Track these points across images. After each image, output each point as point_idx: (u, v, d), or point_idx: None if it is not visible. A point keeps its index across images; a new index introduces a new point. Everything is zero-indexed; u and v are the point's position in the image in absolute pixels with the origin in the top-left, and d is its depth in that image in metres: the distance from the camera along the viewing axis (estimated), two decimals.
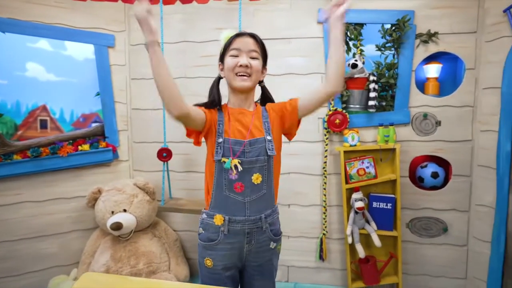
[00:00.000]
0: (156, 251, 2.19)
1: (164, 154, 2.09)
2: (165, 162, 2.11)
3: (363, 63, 2.17)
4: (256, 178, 1.21)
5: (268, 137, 1.22)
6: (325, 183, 2.23)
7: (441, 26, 2.06)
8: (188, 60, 2.31)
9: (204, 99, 2.37)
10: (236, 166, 1.17)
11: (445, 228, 2.19)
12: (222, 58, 1.28)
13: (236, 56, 1.21)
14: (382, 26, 2.13)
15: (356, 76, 2.16)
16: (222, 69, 1.28)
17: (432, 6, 2.06)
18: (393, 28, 2.10)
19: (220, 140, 1.21)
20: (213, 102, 1.25)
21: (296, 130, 1.31)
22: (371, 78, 2.12)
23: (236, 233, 1.21)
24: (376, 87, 2.11)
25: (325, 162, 2.22)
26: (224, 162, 1.18)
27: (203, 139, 1.28)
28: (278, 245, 1.31)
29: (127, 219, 2.08)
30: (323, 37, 2.18)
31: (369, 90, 2.13)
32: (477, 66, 2.08)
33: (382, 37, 2.15)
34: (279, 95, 1.39)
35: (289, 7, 2.19)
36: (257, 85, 1.30)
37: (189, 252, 2.44)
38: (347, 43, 2.20)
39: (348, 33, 2.16)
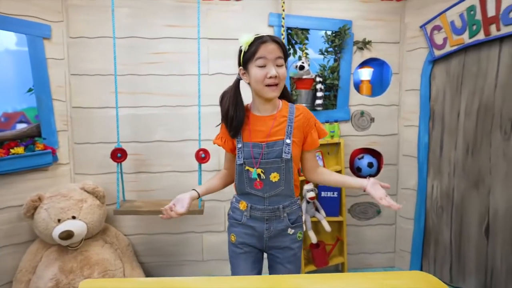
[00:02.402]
0: (110, 258, 2.06)
1: (119, 155, 1.97)
2: (119, 163, 2.00)
3: (309, 65, 2.37)
4: (274, 177, 1.29)
5: (288, 140, 1.26)
6: None
7: (373, 36, 2.38)
8: (138, 56, 2.21)
9: (156, 96, 2.31)
10: (259, 175, 1.28)
11: (378, 211, 2.53)
12: (244, 64, 1.26)
13: (263, 66, 1.21)
14: (325, 32, 2.36)
15: (304, 77, 2.35)
16: (244, 74, 1.28)
17: (366, 17, 2.36)
18: (335, 35, 2.34)
19: (240, 145, 1.30)
20: (233, 124, 1.30)
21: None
22: (318, 79, 2.33)
23: (256, 219, 1.34)
24: (322, 87, 2.33)
25: None
26: (249, 170, 1.29)
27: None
28: (298, 232, 1.38)
29: (78, 227, 1.92)
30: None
31: (315, 90, 2.34)
32: (401, 71, 2.45)
33: (325, 42, 2.39)
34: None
35: (241, 9, 2.27)
36: None
37: (142, 256, 2.35)
38: (293, 46, 2.38)
39: (295, 38, 2.34)
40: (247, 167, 1.29)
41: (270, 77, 1.21)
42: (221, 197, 2.32)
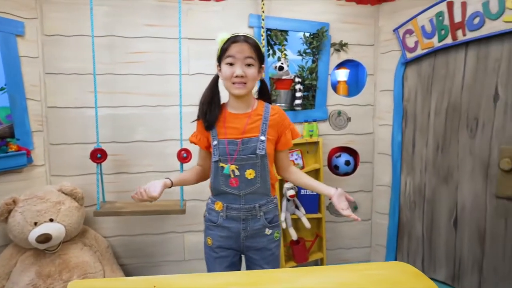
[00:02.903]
0: (89, 260, 2.02)
1: (99, 155, 1.94)
2: (99, 164, 1.97)
3: (288, 66, 2.42)
4: (250, 174, 1.31)
5: (262, 137, 1.30)
6: None
7: (349, 38, 2.47)
8: (117, 56, 2.18)
9: (135, 96, 2.29)
10: (233, 171, 1.28)
11: (355, 207, 2.62)
12: (219, 61, 1.31)
13: (232, 64, 1.25)
14: (304, 34, 2.42)
15: (283, 77, 2.40)
16: (220, 71, 1.33)
17: (342, 20, 2.44)
18: (313, 37, 2.41)
19: (215, 142, 1.31)
20: (206, 118, 1.33)
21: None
22: (297, 80, 2.39)
23: (233, 219, 1.34)
24: (301, 88, 2.39)
25: None
26: (223, 167, 1.29)
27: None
28: (276, 232, 1.40)
29: (56, 229, 1.87)
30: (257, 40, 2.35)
31: (295, 91, 2.39)
32: (375, 73, 2.56)
33: (303, 44, 2.45)
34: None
35: (222, 10, 2.29)
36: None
37: (122, 258, 2.32)
38: (272, 47, 2.42)
39: (274, 39, 2.39)
40: (221, 164, 1.31)
41: (236, 76, 1.25)
42: (203, 197, 2.33)
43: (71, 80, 2.15)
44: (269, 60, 2.41)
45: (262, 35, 2.30)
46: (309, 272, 1.10)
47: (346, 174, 2.61)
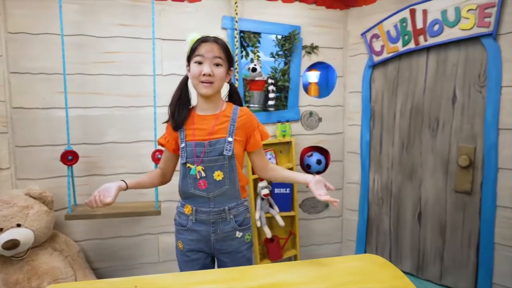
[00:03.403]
0: (60, 266, 1.96)
1: (70, 157, 1.89)
2: (70, 166, 1.92)
3: (261, 67, 2.47)
4: (218, 175, 1.31)
5: (229, 139, 1.30)
6: None
7: (320, 41, 2.55)
8: (88, 55, 2.13)
9: (107, 97, 2.25)
10: (199, 172, 1.29)
11: (326, 204, 2.71)
12: (188, 61, 1.34)
13: (200, 63, 1.27)
14: (276, 37, 2.48)
15: (256, 79, 2.44)
16: (189, 70, 1.34)
17: (313, 24, 2.52)
18: (285, 39, 2.47)
19: (183, 145, 1.32)
20: (174, 117, 1.35)
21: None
22: (269, 81, 2.44)
23: (202, 222, 1.34)
24: (274, 89, 2.44)
25: None
26: (190, 167, 1.29)
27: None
28: (246, 234, 1.40)
29: (24, 235, 1.81)
30: (227, 43, 2.37)
31: (268, 92, 2.45)
32: (345, 75, 2.66)
33: (275, 46, 2.50)
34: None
35: (195, 11, 2.29)
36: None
37: (95, 262, 2.26)
38: (245, 49, 2.46)
39: (247, 40, 2.43)
40: (188, 165, 1.31)
41: (204, 75, 1.27)
42: (176, 197, 2.31)
43: (38, 80, 2.08)
44: (242, 61, 2.45)
45: (235, 37, 2.33)
46: (286, 267, 1.15)
47: (318, 172, 2.69)
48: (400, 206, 2.45)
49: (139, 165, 2.24)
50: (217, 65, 1.28)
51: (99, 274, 2.25)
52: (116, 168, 2.23)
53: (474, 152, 2.06)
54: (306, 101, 2.59)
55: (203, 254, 1.38)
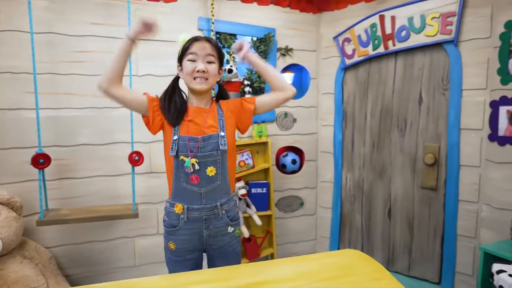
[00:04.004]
0: (30, 274, 1.88)
1: (41, 161, 1.81)
2: (41, 170, 1.84)
3: (236, 68, 2.49)
4: (210, 171, 1.32)
5: (222, 133, 1.33)
6: None
7: (294, 44, 2.62)
8: (58, 54, 2.05)
9: (80, 97, 2.16)
10: (193, 165, 1.28)
11: (302, 203, 2.79)
12: (180, 60, 1.34)
13: (194, 60, 1.30)
14: (252, 38, 2.51)
15: (232, 80, 2.46)
16: (181, 71, 1.35)
17: (288, 27, 2.58)
18: (260, 41, 2.51)
19: (176, 137, 1.30)
20: (171, 109, 1.31)
21: (250, 125, 1.45)
22: (245, 82, 2.47)
23: (195, 220, 1.33)
24: (250, 90, 2.48)
25: None
26: (183, 160, 1.28)
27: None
28: (237, 229, 1.42)
29: None
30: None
31: (244, 93, 2.47)
32: (318, 77, 2.74)
33: (251, 48, 2.52)
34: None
35: (170, 11, 2.28)
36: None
37: (68, 268, 2.18)
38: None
39: (223, 42, 2.44)
40: (182, 157, 1.29)
41: (198, 71, 1.30)
42: (153, 200, 2.30)
43: (4, 79, 1.97)
44: None
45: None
46: (272, 265, 1.18)
47: (293, 172, 2.76)
48: (372, 203, 2.57)
49: (114, 167, 2.19)
50: (210, 62, 1.32)
51: (72, 281, 2.17)
52: (89, 170, 2.16)
53: (439, 150, 2.21)
54: None
55: (196, 253, 1.38)
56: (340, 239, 2.79)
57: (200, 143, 1.30)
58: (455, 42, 2.08)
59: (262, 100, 1.43)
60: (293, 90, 1.43)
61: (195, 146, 1.30)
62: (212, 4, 2.30)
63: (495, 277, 1.44)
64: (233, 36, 2.47)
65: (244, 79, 2.49)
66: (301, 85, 2.96)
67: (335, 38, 2.60)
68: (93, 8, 2.10)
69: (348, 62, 2.56)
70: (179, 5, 2.28)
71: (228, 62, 2.47)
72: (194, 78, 1.31)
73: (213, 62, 1.33)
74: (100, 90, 1.28)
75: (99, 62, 2.12)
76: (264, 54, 2.52)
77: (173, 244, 1.35)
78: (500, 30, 1.91)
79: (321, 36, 2.70)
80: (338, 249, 2.78)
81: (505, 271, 1.43)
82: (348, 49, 2.54)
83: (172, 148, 1.30)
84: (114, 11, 2.12)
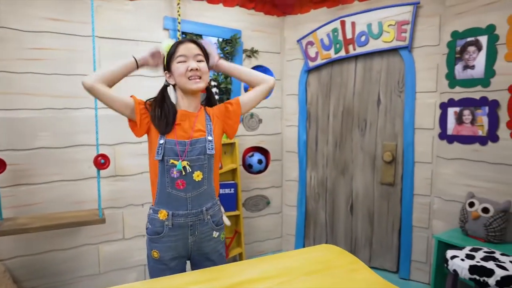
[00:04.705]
0: None
1: None
2: None
3: None
4: (197, 176, 1.28)
5: (209, 138, 1.30)
6: None
7: (259, 45, 2.66)
8: (11, 51, 1.90)
9: (37, 97, 2.04)
10: (185, 167, 1.24)
11: (268, 202, 2.84)
12: (168, 67, 1.30)
13: (184, 61, 1.27)
14: (218, 39, 2.52)
15: None
16: (170, 77, 1.31)
17: (253, 29, 2.62)
18: (226, 42, 2.52)
19: (162, 141, 1.25)
20: (162, 117, 1.27)
21: (238, 126, 1.43)
22: (212, 83, 2.47)
23: (179, 226, 1.28)
24: (217, 91, 2.48)
25: None
26: (174, 164, 1.24)
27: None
28: (222, 234, 1.40)
29: None
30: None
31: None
32: (282, 78, 2.82)
33: (217, 49, 2.53)
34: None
35: (135, 10, 2.21)
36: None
37: (25, 281, 2.03)
38: None
39: None
40: (172, 161, 1.26)
41: (191, 70, 1.27)
42: (118, 204, 2.23)
43: None
44: None
45: (178, 38, 2.30)
46: (255, 263, 1.20)
47: (259, 172, 2.80)
48: (335, 199, 2.69)
49: (76, 171, 2.08)
50: (200, 61, 1.30)
51: None
52: (48, 175, 2.04)
53: (396, 149, 2.38)
54: None
55: (181, 260, 1.34)
56: (305, 235, 2.89)
57: (188, 147, 1.28)
58: (409, 48, 2.25)
59: (246, 97, 1.43)
60: (272, 78, 1.45)
61: (184, 150, 1.27)
62: (178, 4, 2.27)
63: (450, 262, 1.59)
64: (199, 36, 2.45)
65: (211, 80, 2.48)
66: None
67: (299, 41, 2.69)
68: (49, 3, 1.97)
69: (312, 64, 2.66)
70: (144, 3, 2.23)
71: None
72: (189, 78, 1.27)
73: (203, 61, 1.31)
74: (86, 85, 1.23)
75: (57, 60, 2.01)
76: (231, 56, 2.54)
77: (156, 253, 1.30)
78: (447, 39, 2.11)
79: (285, 39, 2.78)
80: (303, 245, 2.88)
81: (457, 256, 1.58)
82: (311, 52, 2.64)
83: (158, 152, 1.25)
84: (74, 7, 2.02)
